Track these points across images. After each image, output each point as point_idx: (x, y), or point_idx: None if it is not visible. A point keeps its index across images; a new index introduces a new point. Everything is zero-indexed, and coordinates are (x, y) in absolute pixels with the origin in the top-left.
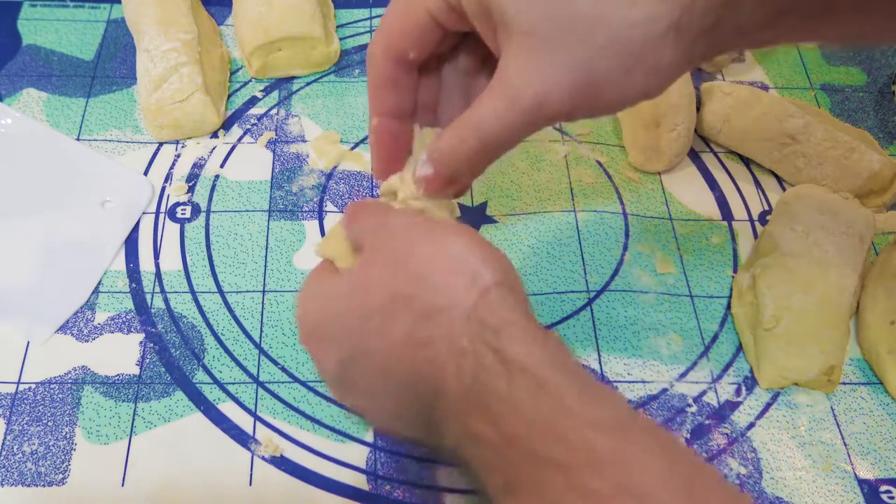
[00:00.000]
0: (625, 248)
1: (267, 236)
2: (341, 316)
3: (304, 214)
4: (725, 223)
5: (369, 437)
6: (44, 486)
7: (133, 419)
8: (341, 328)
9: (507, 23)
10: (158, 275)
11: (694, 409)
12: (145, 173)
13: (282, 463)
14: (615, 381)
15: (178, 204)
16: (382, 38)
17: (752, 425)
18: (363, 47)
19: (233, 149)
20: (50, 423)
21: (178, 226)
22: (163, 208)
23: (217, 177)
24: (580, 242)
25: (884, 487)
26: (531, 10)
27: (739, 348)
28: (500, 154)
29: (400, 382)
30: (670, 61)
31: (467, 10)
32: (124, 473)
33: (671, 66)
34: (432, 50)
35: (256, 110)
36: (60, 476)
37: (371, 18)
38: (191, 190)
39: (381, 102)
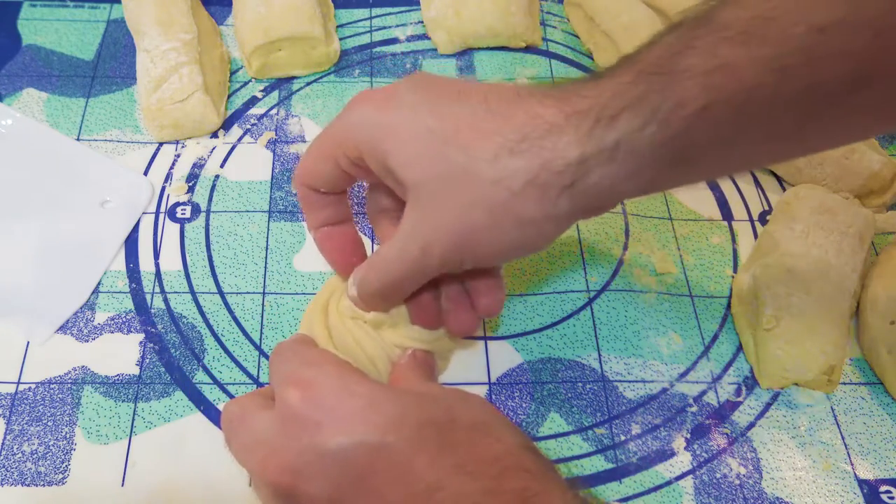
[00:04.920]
0: (625, 248)
1: (267, 237)
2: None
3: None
4: (725, 223)
5: None
6: (44, 485)
7: (133, 419)
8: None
9: (401, 179)
10: (158, 275)
11: (694, 409)
12: (145, 173)
13: None
14: (615, 381)
15: (178, 204)
16: (299, 171)
17: (752, 425)
18: (363, 47)
19: (233, 149)
20: (50, 423)
21: (178, 226)
22: (163, 208)
23: (217, 177)
24: (580, 242)
25: (884, 487)
26: (417, 168)
27: (739, 348)
28: (407, 292)
29: None
30: (534, 215)
31: (373, 168)
32: (124, 473)
33: (537, 220)
34: (344, 187)
35: (256, 110)
36: (60, 476)
37: (371, 18)
38: (191, 190)
39: (311, 219)
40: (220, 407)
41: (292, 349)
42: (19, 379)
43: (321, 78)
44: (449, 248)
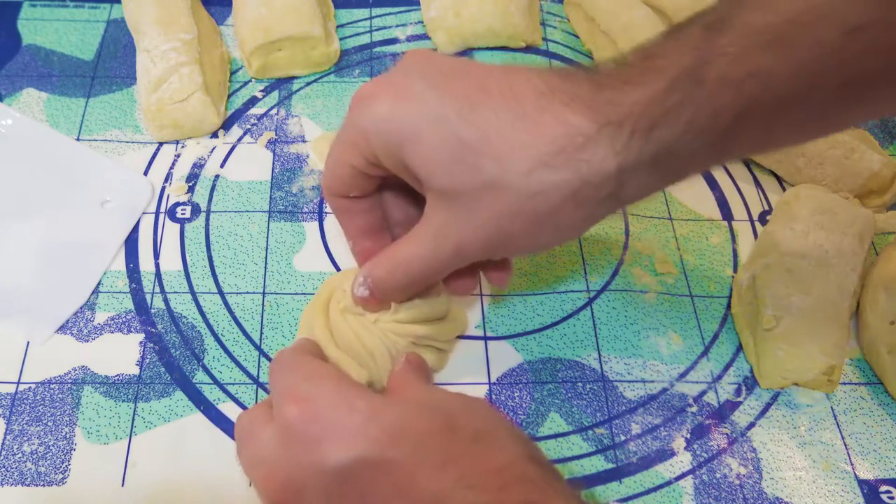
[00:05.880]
0: (625, 248)
1: (267, 237)
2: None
3: (305, 216)
4: (725, 223)
5: None
6: (44, 486)
7: (133, 419)
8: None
9: (425, 182)
10: (158, 275)
11: (694, 409)
12: (145, 173)
13: None
14: (615, 381)
15: (178, 204)
16: (325, 181)
17: (752, 425)
18: (363, 47)
19: (233, 149)
20: (50, 423)
21: (178, 226)
22: (163, 208)
23: (217, 177)
24: (580, 242)
25: (884, 487)
26: (447, 176)
27: (739, 348)
28: (427, 284)
29: None
30: (572, 222)
31: (389, 166)
32: (124, 473)
33: (574, 226)
34: (373, 188)
35: (256, 110)
36: (60, 476)
37: (371, 18)
38: (191, 190)
39: (348, 227)
40: (221, 407)
41: (291, 360)
42: (19, 379)
43: (321, 78)
44: (483, 249)
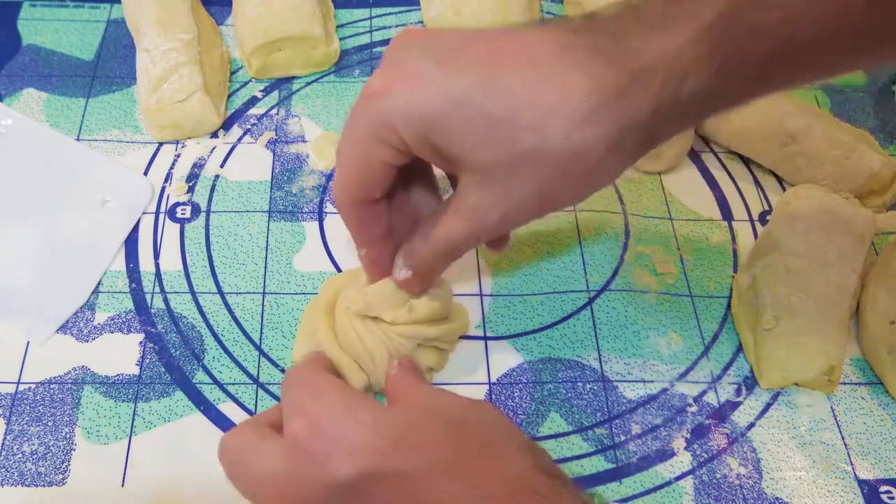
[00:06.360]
0: (625, 248)
1: (267, 237)
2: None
3: (305, 216)
4: (725, 223)
5: None
6: (44, 486)
7: (133, 419)
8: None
9: (460, 161)
10: (158, 275)
11: (694, 409)
12: (145, 173)
13: None
14: (615, 381)
15: (178, 204)
16: (346, 188)
17: (752, 425)
18: (363, 47)
19: (233, 149)
20: (50, 423)
21: (178, 226)
22: (163, 208)
23: (217, 177)
24: (580, 242)
25: (884, 488)
26: (478, 153)
27: (739, 348)
28: (464, 254)
29: None
30: (612, 170)
31: (417, 151)
32: (124, 473)
33: (614, 173)
34: (391, 183)
35: (256, 110)
36: (60, 476)
37: (371, 18)
38: (191, 190)
39: (362, 237)
40: (221, 407)
41: (299, 376)
42: (19, 379)
43: (321, 78)
44: (528, 214)
